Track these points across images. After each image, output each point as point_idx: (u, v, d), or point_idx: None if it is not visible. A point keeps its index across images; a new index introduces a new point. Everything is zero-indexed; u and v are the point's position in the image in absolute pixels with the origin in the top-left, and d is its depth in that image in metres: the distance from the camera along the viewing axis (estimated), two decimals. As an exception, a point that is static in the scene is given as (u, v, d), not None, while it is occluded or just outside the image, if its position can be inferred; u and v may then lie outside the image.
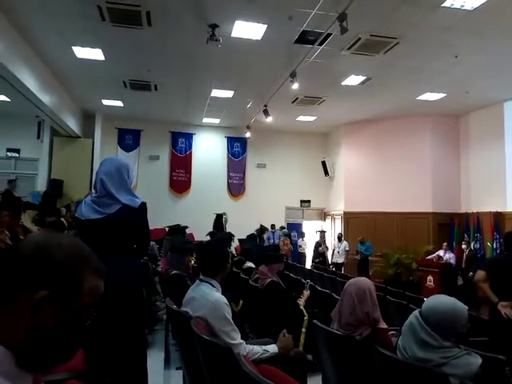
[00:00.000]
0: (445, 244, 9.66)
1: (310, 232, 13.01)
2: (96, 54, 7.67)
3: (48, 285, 0.72)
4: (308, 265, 11.54)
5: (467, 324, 1.85)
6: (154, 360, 3.75)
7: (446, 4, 5.63)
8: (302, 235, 12.96)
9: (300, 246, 12.54)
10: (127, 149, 12.67)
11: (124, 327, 2.17)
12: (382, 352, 1.95)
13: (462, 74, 8.12)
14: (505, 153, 9.67)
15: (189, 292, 2.39)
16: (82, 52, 7.57)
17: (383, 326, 2.18)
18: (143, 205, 2.37)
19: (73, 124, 10.83)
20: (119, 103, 10.95)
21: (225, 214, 10.92)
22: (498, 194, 9.68)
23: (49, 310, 0.72)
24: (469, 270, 8.53)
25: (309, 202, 14.06)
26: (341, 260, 11.21)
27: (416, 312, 1.90)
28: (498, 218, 9.54)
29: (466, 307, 1.87)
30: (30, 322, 0.71)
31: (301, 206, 14.03)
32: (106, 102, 10.87)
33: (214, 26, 6.23)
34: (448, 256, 9.31)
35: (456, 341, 1.84)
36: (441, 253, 9.39)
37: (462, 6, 5.67)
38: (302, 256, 12.36)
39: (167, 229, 7.51)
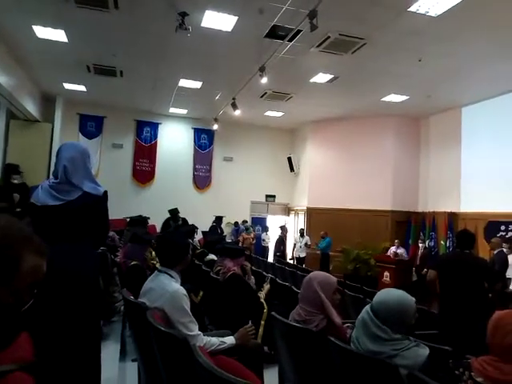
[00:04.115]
0: (397, 241, 10.07)
1: (274, 226, 13.14)
2: (58, 36, 7.32)
3: None
4: (271, 258, 11.66)
5: (415, 315, 1.92)
6: (110, 352, 3.67)
7: (412, 9, 5.80)
8: (265, 229, 13.08)
9: (263, 240, 12.66)
10: (89, 136, 12.22)
11: (77, 317, 2.10)
12: (336, 343, 2.00)
13: (424, 77, 8.42)
14: (461, 157, 10.14)
15: (147, 283, 2.35)
16: (43, 32, 7.20)
17: (337, 319, 2.23)
18: (105, 193, 2.31)
19: (31, 107, 10.31)
20: (82, 88, 10.54)
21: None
22: (453, 195, 10.15)
23: None
24: (423, 267, 8.91)
25: (274, 196, 14.18)
26: (302, 254, 11.41)
27: (367, 307, 1.95)
28: (452, 218, 10.01)
29: (414, 299, 1.94)
30: None
31: (266, 200, 14.12)
32: (67, 85, 10.43)
33: (183, 15, 6.10)
34: (400, 251, 9.74)
35: (405, 332, 1.91)
36: (393, 249, 9.77)
37: (427, 12, 5.86)
38: (265, 250, 12.49)
39: (128, 220, 7.33)
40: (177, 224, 8.33)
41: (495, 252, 6.94)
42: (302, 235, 11.69)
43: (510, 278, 6.86)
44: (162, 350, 1.94)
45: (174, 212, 8.69)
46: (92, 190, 2.25)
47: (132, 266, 3.51)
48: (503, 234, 8.66)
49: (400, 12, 5.92)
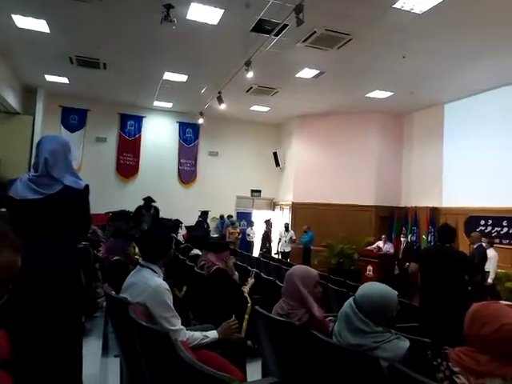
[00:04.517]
0: (383, 236, 10.21)
1: (260, 221, 13.16)
2: (40, 26, 7.14)
3: None
4: (256, 253, 11.69)
5: (397, 307, 1.95)
6: (92, 348, 3.64)
7: (397, 5, 5.84)
8: (251, 224, 13.09)
9: (248, 235, 12.68)
10: (72, 129, 12.01)
11: (58, 313, 2.07)
12: (318, 337, 2.01)
13: (408, 74, 8.51)
14: (443, 153, 10.31)
15: (129, 278, 2.33)
16: (23, 21, 7.02)
17: (318, 313, 2.25)
18: (87, 187, 2.27)
19: (11, 99, 10.06)
20: (64, 80, 10.32)
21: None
22: (435, 190, 10.33)
23: None
24: (405, 261, 9.05)
25: (259, 191, 14.19)
26: (287, 249, 11.48)
27: (350, 300, 1.97)
28: (434, 212, 10.19)
29: (396, 292, 1.97)
30: None
31: (251, 195, 14.12)
32: (49, 77, 10.20)
33: (168, 7, 6.01)
34: (387, 246, 9.87)
35: (387, 325, 1.94)
36: (380, 244, 9.91)
37: (412, 8, 5.91)
38: (250, 244, 12.51)
39: (111, 214, 7.24)
40: (149, 212, 8.27)
41: (475, 246, 7.09)
42: (286, 230, 11.75)
43: (488, 272, 7.04)
44: (143, 345, 1.92)
45: (147, 200, 8.61)
46: (73, 184, 2.21)
47: (114, 261, 3.47)
48: (483, 228, 8.86)
49: (385, 8, 5.96)
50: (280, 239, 11.92)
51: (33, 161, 2.37)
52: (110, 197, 11.12)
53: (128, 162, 12.69)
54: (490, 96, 9.08)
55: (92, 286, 4.51)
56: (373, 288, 1.96)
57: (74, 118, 12.11)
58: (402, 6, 5.87)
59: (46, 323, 2.04)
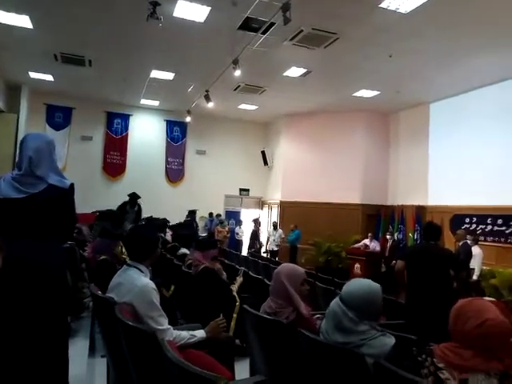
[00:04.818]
0: (370, 234, 10.31)
1: (248, 220, 13.16)
2: (22, 21, 7.01)
3: None
4: (245, 252, 11.69)
5: (382, 302, 1.98)
6: (79, 348, 3.60)
7: (382, 5, 5.90)
8: (239, 223, 13.09)
9: (237, 234, 12.68)
10: (57, 127, 11.84)
11: (42, 313, 2.04)
12: (306, 335, 2.03)
13: (394, 73, 8.60)
14: (428, 152, 10.44)
15: (115, 277, 2.30)
16: (4, 17, 6.88)
17: (305, 311, 2.26)
18: (72, 186, 2.24)
19: (-6, 96, 9.89)
20: (49, 77, 10.16)
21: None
22: (421, 189, 10.46)
23: None
24: (392, 259, 9.15)
25: (248, 190, 14.18)
26: (276, 247, 11.51)
27: (337, 299, 1.98)
28: (420, 211, 10.32)
29: (379, 285, 1.99)
30: None
31: (240, 194, 14.11)
32: (33, 74, 10.02)
33: (155, 4, 5.96)
34: (373, 244, 9.98)
35: (375, 319, 1.96)
36: (366, 242, 10.00)
37: (397, 8, 5.97)
38: (239, 243, 12.51)
39: (98, 214, 7.16)
40: (133, 209, 8.21)
41: (460, 243, 7.20)
42: (275, 228, 11.78)
43: (473, 269, 7.15)
44: (130, 345, 1.91)
45: (132, 196, 8.52)
46: (58, 183, 2.18)
47: (101, 261, 3.44)
48: (468, 226, 9.02)
49: (371, 8, 6.00)
50: (268, 238, 11.94)
51: (17, 159, 2.33)
52: (97, 196, 11.00)
53: (115, 160, 12.56)
54: (474, 96, 9.22)
55: (78, 286, 4.45)
56: (358, 284, 1.99)
57: (59, 116, 11.94)
58: (388, 6, 5.92)
59: (30, 324, 2.01)
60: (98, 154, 12.43)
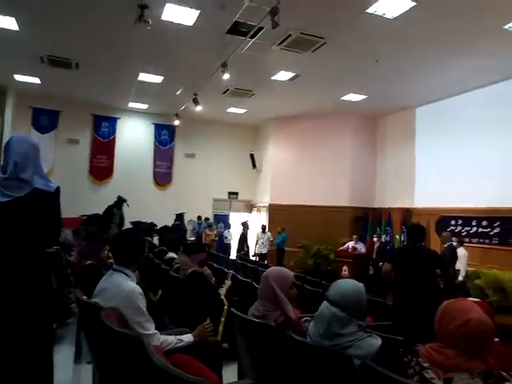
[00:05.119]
0: (354, 236, 10.36)
1: (237, 223, 13.14)
2: (8, 23, 6.92)
3: None
4: (233, 255, 11.67)
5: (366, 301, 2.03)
6: (65, 354, 3.55)
7: (369, 10, 5.97)
8: (228, 226, 13.06)
9: (226, 237, 12.64)
10: (43, 130, 11.68)
11: (25, 319, 2.01)
12: (293, 337, 2.03)
13: (381, 78, 8.70)
14: (415, 155, 10.58)
15: (100, 282, 2.28)
16: (-11, 18, 6.80)
17: (293, 314, 2.26)
18: (58, 189, 2.22)
19: (-22, 99, 9.72)
20: (35, 80, 10.04)
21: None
22: (408, 192, 10.58)
23: None
24: (379, 261, 9.23)
25: (236, 194, 14.17)
26: (264, 251, 11.51)
27: (326, 304, 1.98)
28: (407, 213, 10.44)
29: (363, 284, 2.04)
30: None
31: (228, 197, 14.09)
32: (19, 77, 9.89)
33: (143, 7, 5.94)
34: (358, 246, 10.04)
35: (362, 318, 1.98)
36: (352, 244, 10.05)
37: (384, 14, 6.05)
38: (228, 247, 12.48)
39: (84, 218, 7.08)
40: (119, 211, 8.19)
41: (445, 245, 7.31)
42: (263, 231, 11.80)
43: (458, 270, 7.26)
44: (116, 350, 1.89)
45: (119, 199, 8.49)
46: (43, 186, 2.16)
47: (87, 266, 3.39)
48: (453, 228, 9.14)
49: (358, 13, 6.07)
50: (257, 241, 11.94)
51: (1, 163, 2.30)
52: (84, 200, 10.87)
53: (102, 164, 12.44)
54: (459, 100, 9.39)
55: (64, 292, 4.40)
56: (344, 284, 2.02)
57: (45, 119, 11.79)
58: (375, 11, 6.00)
59: (12, 329, 1.97)
60: (84, 157, 12.30)
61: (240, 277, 4.98)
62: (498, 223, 8.31)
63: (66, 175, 10.64)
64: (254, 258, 11.46)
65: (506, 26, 6.22)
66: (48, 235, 2.25)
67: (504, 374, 1.45)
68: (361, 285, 2.02)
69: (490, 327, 1.51)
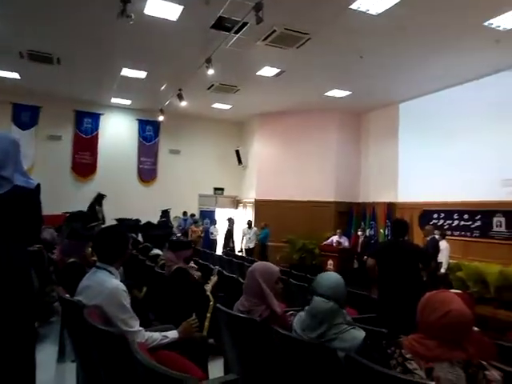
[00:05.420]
0: (338, 230, 10.42)
1: (223, 219, 13.13)
2: (-16, 16, 6.74)
3: None
4: (219, 251, 11.66)
5: None
6: (48, 354, 3.50)
7: (353, 6, 6.00)
8: (214, 222, 13.03)
9: (212, 233, 12.62)
10: (23, 126, 11.42)
11: (5, 318, 1.97)
12: (278, 331, 2.04)
13: (365, 74, 8.76)
14: (398, 150, 10.71)
15: (83, 280, 2.24)
16: (-35, 11, 6.59)
17: (278, 308, 2.28)
18: (38, 186, 2.17)
19: (-45, 94, 9.44)
20: (15, 75, 9.80)
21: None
22: (391, 186, 10.73)
23: None
24: (363, 255, 9.35)
25: (222, 189, 14.14)
26: (252, 245, 11.56)
27: (322, 299, 2.00)
28: (391, 207, 10.58)
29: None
30: None
31: (214, 193, 14.05)
32: (-3, 72, 9.65)
33: (125, 1, 5.84)
34: (342, 240, 10.13)
35: (344, 306, 2.06)
36: (336, 238, 10.14)
37: (368, 10, 6.09)
38: (214, 243, 12.46)
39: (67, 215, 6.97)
40: (101, 208, 8.19)
41: (428, 238, 7.43)
42: (249, 227, 11.82)
43: (441, 262, 7.40)
44: (99, 348, 1.87)
45: (99, 195, 8.47)
46: (24, 184, 2.11)
47: (70, 264, 3.34)
48: (436, 221, 9.31)
49: (342, 9, 6.09)
50: (243, 236, 11.97)
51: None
52: (66, 197, 10.70)
53: (85, 160, 12.24)
54: (441, 96, 9.53)
55: (46, 290, 4.33)
56: (327, 275, 2.13)
57: (25, 115, 11.53)
58: (359, 7, 6.03)
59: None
60: (67, 154, 12.08)
61: (226, 272, 4.98)
62: (478, 216, 8.50)
63: (47, 172, 10.45)
64: (240, 254, 11.47)
65: (486, 23, 6.33)
66: (29, 233, 2.21)
67: (483, 363, 1.49)
68: (340, 276, 2.14)
69: (469, 318, 1.55)
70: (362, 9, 6.07)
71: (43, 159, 11.25)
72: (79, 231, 3.96)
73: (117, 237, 2.33)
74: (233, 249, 12.09)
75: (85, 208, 8.17)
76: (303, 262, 10.63)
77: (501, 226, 8.07)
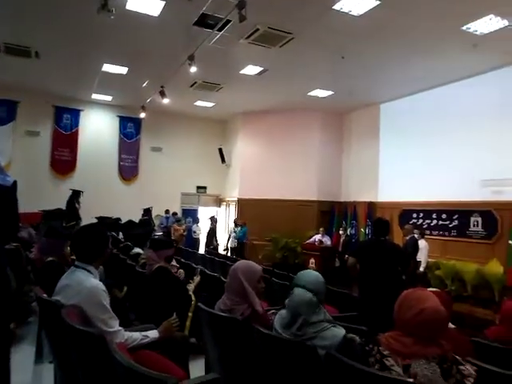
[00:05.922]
0: (321, 229, 10.55)
1: (206, 218, 13.07)
2: (-42, 7, 6.52)
3: None
4: (202, 250, 11.62)
5: None
6: (25, 355, 3.43)
7: (336, 7, 6.05)
8: (196, 221, 12.97)
9: (194, 232, 12.55)
10: (0, 122, 11.11)
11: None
12: (259, 330, 2.05)
13: (347, 74, 8.85)
14: (379, 150, 10.87)
15: (62, 279, 2.20)
16: None
17: (260, 307, 2.29)
18: (15, 183, 2.12)
19: None
20: (-10, 68, 9.52)
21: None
22: (372, 186, 10.88)
23: None
24: (345, 253, 9.46)
25: (205, 188, 14.07)
26: (237, 244, 11.61)
27: (302, 290, 2.04)
28: (371, 207, 10.73)
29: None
30: None
31: (197, 191, 13.97)
32: (-29, 65, 9.34)
33: (106, -5, 5.75)
34: (325, 239, 10.25)
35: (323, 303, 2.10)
36: (318, 237, 10.24)
37: (350, 11, 6.15)
38: (196, 242, 12.40)
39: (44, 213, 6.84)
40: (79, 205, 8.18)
41: (407, 237, 7.57)
42: (236, 225, 11.85)
43: (420, 261, 7.55)
44: (78, 348, 1.84)
45: (74, 192, 8.42)
46: (0, 181, 2.06)
47: (48, 263, 3.27)
48: (415, 221, 9.49)
49: (325, 9, 6.14)
50: (230, 235, 11.98)
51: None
52: (45, 194, 10.46)
53: (64, 157, 12.00)
54: (421, 97, 9.70)
55: (24, 290, 4.23)
56: (307, 272, 2.19)
57: (2, 110, 11.20)
58: (341, 8, 6.08)
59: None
60: (45, 150, 11.81)
61: (208, 271, 4.97)
62: (456, 216, 8.70)
63: (25, 169, 10.22)
64: (224, 253, 11.47)
65: (464, 27, 6.47)
66: (5, 231, 2.16)
67: (458, 358, 1.53)
68: (318, 273, 2.20)
69: (444, 315, 1.59)
70: (345, 9, 6.12)
71: (21, 155, 10.97)
72: (58, 229, 3.88)
73: (95, 235, 2.29)
74: (216, 248, 12.06)
75: (63, 206, 8.01)
76: (286, 260, 10.69)
77: (477, 225, 8.29)
